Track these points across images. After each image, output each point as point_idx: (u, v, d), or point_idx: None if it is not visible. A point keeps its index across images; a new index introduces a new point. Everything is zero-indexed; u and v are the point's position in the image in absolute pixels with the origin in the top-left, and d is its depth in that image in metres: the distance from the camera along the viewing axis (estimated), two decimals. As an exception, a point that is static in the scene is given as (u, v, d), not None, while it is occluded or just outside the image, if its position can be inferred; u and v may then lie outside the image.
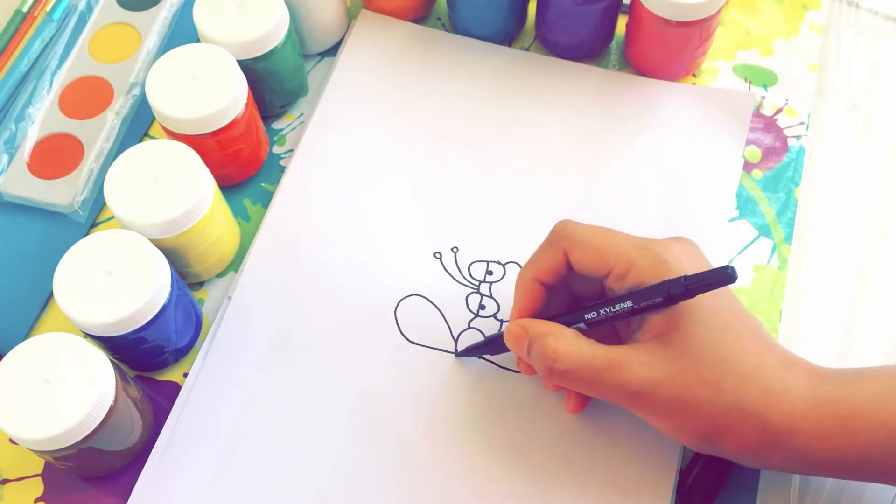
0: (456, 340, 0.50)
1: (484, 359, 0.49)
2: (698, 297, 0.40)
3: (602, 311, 0.42)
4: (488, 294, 0.51)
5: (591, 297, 0.46)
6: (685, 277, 0.39)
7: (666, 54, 0.56)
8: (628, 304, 0.41)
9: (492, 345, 0.47)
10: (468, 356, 0.49)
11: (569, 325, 0.43)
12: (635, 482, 0.45)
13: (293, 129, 0.58)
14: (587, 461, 0.46)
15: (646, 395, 0.40)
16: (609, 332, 0.45)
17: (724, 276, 0.38)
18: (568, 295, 0.46)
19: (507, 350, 0.46)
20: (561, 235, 0.44)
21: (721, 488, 0.45)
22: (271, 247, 0.53)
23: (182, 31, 0.61)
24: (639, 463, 0.46)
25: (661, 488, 0.45)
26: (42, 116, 0.57)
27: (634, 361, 0.40)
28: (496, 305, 0.51)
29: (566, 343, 0.41)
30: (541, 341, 0.42)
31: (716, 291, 0.40)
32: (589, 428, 0.47)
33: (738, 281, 0.51)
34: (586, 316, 0.43)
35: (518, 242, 0.52)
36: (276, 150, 0.57)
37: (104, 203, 0.54)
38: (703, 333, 0.40)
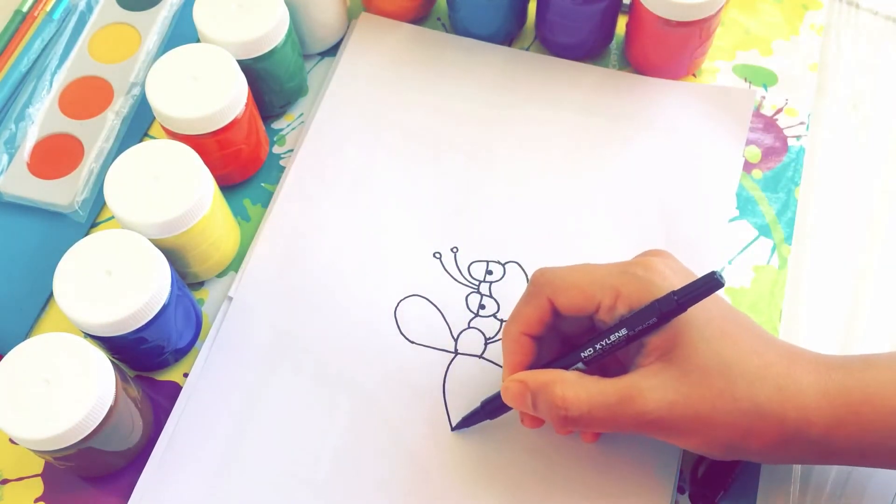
0: (456, 340, 0.50)
1: (484, 358, 0.49)
2: (689, 309, 0.40)
3: (598, 346, 0.41)
4: (488, 294, 0.51)
5: (583, 334, 0.45)
6: (674, 293, 0.39)
7: (666, 54, 0.56)
8: (623, 332, 0.40)
9: (489, 407, 0.45)
10: (467, 427, 0.47)
11: (566, 367, 0.42)
12: (635, 483, 0.45)
13: (293, 129, 0.58)
14: (587, 460, 0.46)
15: (664, 419, 0.40)
16: (610, 361, 0.44)
17: (712, 283, 0.39)
18: (558, 338, 0.45)
19: (507, 410, 0.45)
20: (541, 284, 0.43)
21: (732, 477, 0.45)
22: (271, 247, 0.53)
23: (182, 31, 0.61)
24: (638, 464, 0.46)
25: (661, 489, 0.45)
26: (42, 116, 0.57)
27: (645, 388, 0.40)
28: (496, 305, 0.51)
29: (573, 387, 0.40)
30: (546, 392, 0.41)
31: (704, 300, 0.40)
32: (589, 428, 0.47)
33: (738, 281, 0.51)
34: (583, 354, 0.42)
35: (518, 242, 0.52)
36: (276, 150, 0.57)
37: (104, 203, 0.54)
38: (703, 345, 0.40)
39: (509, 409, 0.44)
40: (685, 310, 0.39)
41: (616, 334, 0.41)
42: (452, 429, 0.47)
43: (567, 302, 0.42)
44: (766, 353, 0.40)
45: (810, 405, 0.39)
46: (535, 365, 0.44)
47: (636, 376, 0.40)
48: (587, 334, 0.44)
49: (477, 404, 0.47)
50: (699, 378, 0.39)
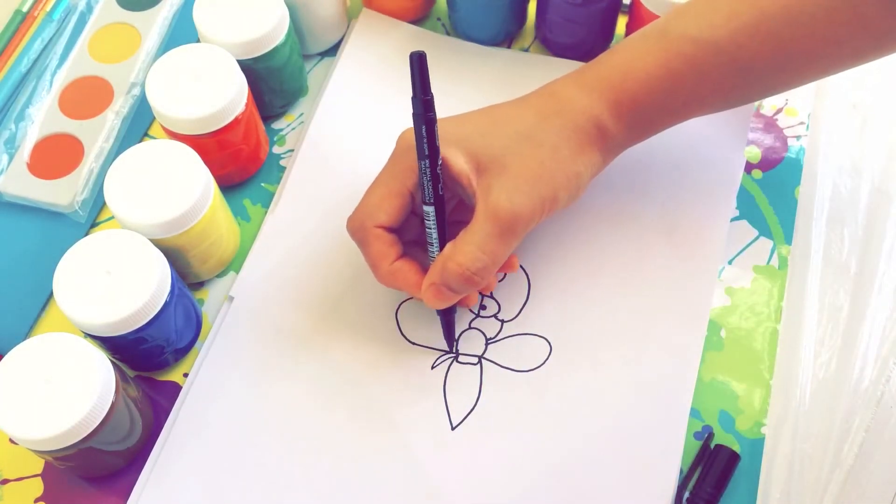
0: (456, 341, 0.50)
1: (485, 358, 0.49)
2: (446, 131, 0.45)
3: (424, 184, 0.45)
4: (489, 294, 0.51)
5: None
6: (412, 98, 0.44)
7: (666, 54, 0.56)
8: (421, 163, 0.44)
9: (445, 321, 0.48)
10: (457, 340, 0.50)
11: (430, 224, 0.46)
12: (636, 484, 0.45)
13: (293, 129, 0.58)
14: (588, 463, 0.46)
15: (526, 202, 0.44)
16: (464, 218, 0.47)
17: (415, 59, 0.42)
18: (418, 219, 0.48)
19: (453, 312, 0.48)
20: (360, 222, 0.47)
21: (719, 498, 0.45)
22: (272, 247, 0.53)
23: (182, 31, 0.61)
24: (639, 464, 0.46)
25: (661, 489, 0.45)
26: (42, 116, 0.57)
27: (493, 201, 0.43)
28: (497, 306, 0.51)
29: (459, 251, 0.44)
30: (448, 273, 0.44)
31: (455, 121, 0.47)
32: (590, 430, 0.47)
33: (738, 281, 0.51)
34: (425, 201, 0.45)
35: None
36: (276, 150, 0.57)
37: (104, 203, 0.54)
38: (487, 138, 0.45)
39: (454, 310, 0.48)
40: (424, 97, 0.43)
41: (421, 164, 0.44)
42: (454, 355, 0.49)
43: (389, 212, 0.46)
44: (519, 102, 0.47)
45: (585, 102, 0.45)
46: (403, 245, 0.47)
47: (480, 203, 0.44)
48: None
49: (476, 405, 0.47)
50: (511, 158, 0.44)
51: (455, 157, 0.45)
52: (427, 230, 0.46)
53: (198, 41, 0.54)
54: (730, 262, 0.52)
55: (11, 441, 0.48)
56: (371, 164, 0.55)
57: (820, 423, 0.47)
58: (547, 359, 0.49)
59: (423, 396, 0.48)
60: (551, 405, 0.47)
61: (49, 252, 0.50)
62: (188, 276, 0.51)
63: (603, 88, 0.46)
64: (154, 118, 0.58)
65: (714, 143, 0.55)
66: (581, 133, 0.45)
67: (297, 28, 0.57)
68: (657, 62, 0.45)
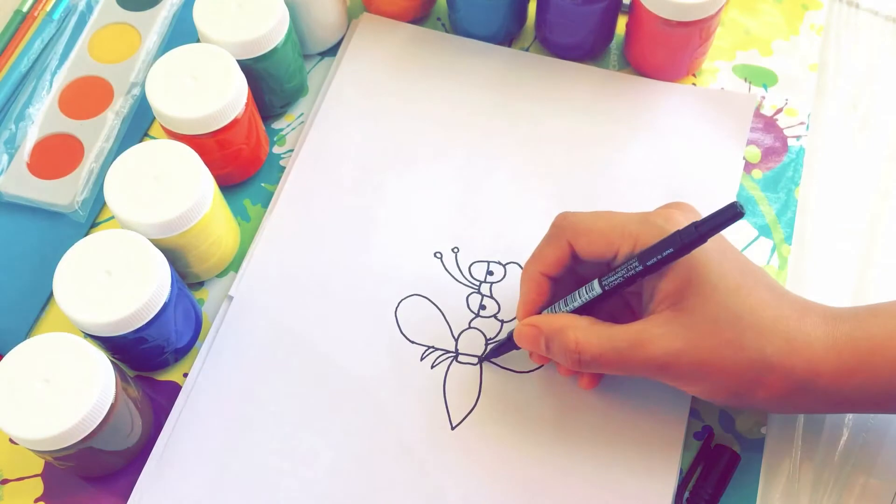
0: (456, 340, 0.50)
1: (484, 358, 0.49)
2: (706, 258, 0.40)
3: (616, 276, 0.42)
4: (489, 294, 0.51)
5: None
6: (695, 223, 0.39)
7: (666, 54, 0.56)
8: (635, 264, 0.41)
9: (506, 346, 0.48)
10: (496, 357, 0.49)
11: (582, 297, 0.43)
12: (636, 483, 0.45)
13: (293, 129, 0.58)
14: (588, 464, 0.46)
15: (670, 365, 0.41)
16: (622, 309, 0.46)
17: (733, 213, 0.38)
18: (574, 281, 0.46)
19: (511, 348, 0.47)
20: (563, 227, 0.44)
21: (719, 497, 0.45)
22: (272, 247, 0.53)
23: (182, 31, 0.61)
24: (639, 464, 0.46)
25: (662, 489, 0.45)
26: (42, 116, 0.57)
27: (655, 336, 0.41)
28: (497, 306, 0.51)
29: (585, 332, 0.42)
30: (560, 336, 0.42)
31: (723, 249, 0.41)
32: (590, 430, 0.47)
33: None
34: (604, 282, 0.42)
35: (519, 243, 0.52)
36: (276, 150, 0.57)
37: (104, 203, 0.54)
38: (717, 295, 0.40)
39: (514, 348, 0.46)
40: (705, 240, 0.39)
41: (633, 263, 0.41)
42: (480, 360, 0.49)
43: (586, 246, 0.43)
44: (779, 307, 0.41)
45: (819, 357, 0.40)
46: (549, 303, 0.45)
47: (647, 323, 0.41)
48: None
49: (475, 405, 0.47)
50: (708, 328, 0.40)
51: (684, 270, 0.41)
52: (575, 294, 0.44)
53: (198, 41, 0.54)
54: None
55: (11, 441, 0.48)
56: (370, 164, 0.56)
57: (820, 423, 0.47)
58: (547, 359, 0.49)
59: (423, 396, 0.48)
60: (551, 405, 0.47)
61: (49, 252, 0.51)
62: (188, 276, 0.51)
63: (846, 350, 0.40)
64: (154, 118, 0.58)
65: (714, 143, 0.55)
66: (788, 373, 0.40)
67: (297, 28, 0.57)
68: None
